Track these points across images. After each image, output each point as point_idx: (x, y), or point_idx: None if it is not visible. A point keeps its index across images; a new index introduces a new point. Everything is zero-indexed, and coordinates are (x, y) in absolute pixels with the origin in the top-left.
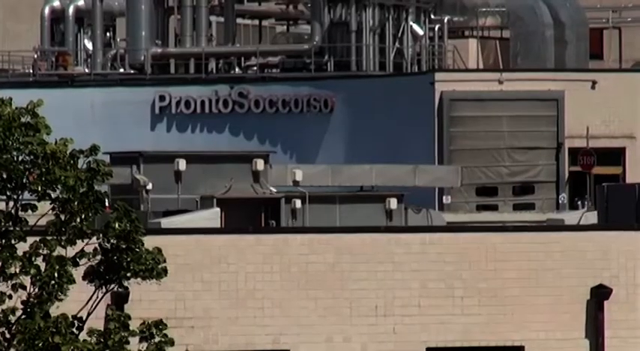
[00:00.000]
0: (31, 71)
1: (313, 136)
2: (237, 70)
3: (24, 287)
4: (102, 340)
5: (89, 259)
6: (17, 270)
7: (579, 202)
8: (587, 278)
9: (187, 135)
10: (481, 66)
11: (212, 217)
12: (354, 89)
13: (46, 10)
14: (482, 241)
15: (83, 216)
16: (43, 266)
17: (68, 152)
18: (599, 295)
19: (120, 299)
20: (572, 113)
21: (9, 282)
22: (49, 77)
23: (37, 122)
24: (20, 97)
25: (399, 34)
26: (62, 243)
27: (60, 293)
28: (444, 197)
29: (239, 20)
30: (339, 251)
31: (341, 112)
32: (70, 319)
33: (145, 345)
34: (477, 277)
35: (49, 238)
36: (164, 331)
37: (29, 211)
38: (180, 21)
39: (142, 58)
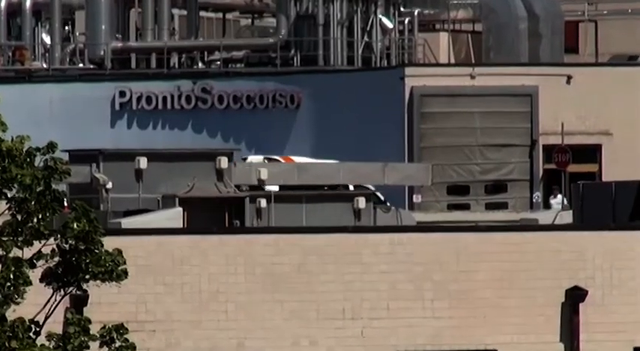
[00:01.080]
0: None
1: (279, 132)
2: (200, 64)
3: None
4: (61, 344)
5: (47, 261)
6: None
7: (554, 190)
8: (561, 280)
9: (148, 132)
10: (452, 60)
11: (174, 217)
12: (321, 84)
13: (2, 4)
14: (453, 241)
15: (40, 216)
16: None
17: (25, 150)
18: (575, 297)
19: (79, 302)
20: (547, 109)
21: None
22: (6, 72)
23: None
24: None
25: (368, 28)
26: (19, 244)
27: (16, 296)
28: (414, 196)
29: (202, 13)
30: (305, 252)
31: (308, 108)
32: (27, 323)
33: (105, 350)
34: (447, 279)
35: (4, 238)
36: (125, 336)
37: None
38: (141, 14)
39: (102, 52)
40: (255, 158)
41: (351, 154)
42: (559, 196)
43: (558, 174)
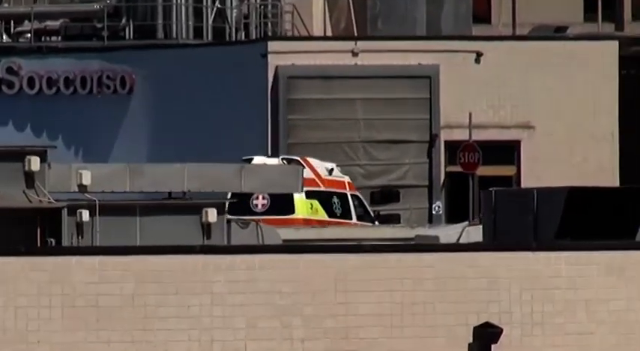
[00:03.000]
0: None
1: (106, 124)
2: (4, 38)
3: None
4: None
5: None
6: None
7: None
8: (468, 314)
9: None
10: (329, 33)
11: None
12: (160, 63)
13: None
14: (330, 265)
15: None
16: None
17: None
18: (485, 336)
19: None
20: (451, 95)
21: None
22: None
23: None
24: None
25: None
26: None
27: None
28: None
29: None
30: (139, 279)
31: (143, 94)
32: None
33: None
34: (322, 314)
35: None
36: None
37: None
38: None
39: None
40: (263, 160)
41: (201, 152)
42: None
43: (465, 178)
